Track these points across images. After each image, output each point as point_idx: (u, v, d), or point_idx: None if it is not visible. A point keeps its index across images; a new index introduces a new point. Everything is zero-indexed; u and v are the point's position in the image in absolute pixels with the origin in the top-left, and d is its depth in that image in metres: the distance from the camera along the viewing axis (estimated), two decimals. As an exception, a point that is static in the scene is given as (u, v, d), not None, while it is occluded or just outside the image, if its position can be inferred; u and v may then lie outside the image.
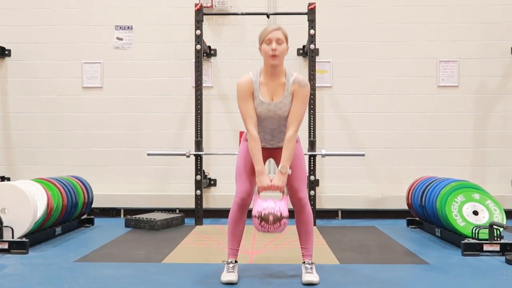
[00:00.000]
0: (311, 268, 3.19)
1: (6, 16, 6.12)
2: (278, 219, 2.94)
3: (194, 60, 5.55)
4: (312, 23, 5.38)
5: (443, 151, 5.97)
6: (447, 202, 4.22)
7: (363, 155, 5.52)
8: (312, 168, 5.39)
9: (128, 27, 6.10)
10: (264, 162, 3.17)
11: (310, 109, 5.39)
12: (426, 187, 4.79)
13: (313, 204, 5.32)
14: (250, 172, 3.16)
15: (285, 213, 2.97)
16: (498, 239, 3.94)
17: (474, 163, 5.97)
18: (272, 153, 3.26)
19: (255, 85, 3.12)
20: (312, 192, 5.37)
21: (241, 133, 3.35)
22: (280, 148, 3.15)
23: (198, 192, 5.40)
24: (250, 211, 3.15)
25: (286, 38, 3.12)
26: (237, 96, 3.15)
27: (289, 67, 3.27)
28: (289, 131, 3.09)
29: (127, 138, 6.08)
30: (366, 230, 5.11)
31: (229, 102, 6.03)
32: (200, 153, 5.41)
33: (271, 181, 3.06)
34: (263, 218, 2.94)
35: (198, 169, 5.41)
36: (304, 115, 3.18)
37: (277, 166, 3.16)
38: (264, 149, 3.18)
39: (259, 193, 3.09)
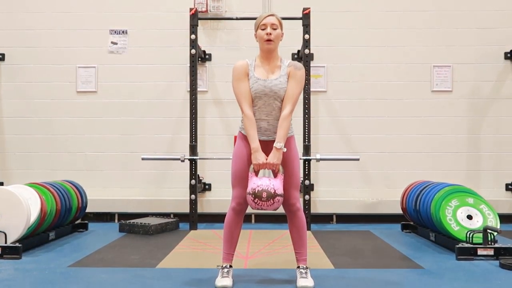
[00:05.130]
0: (306, 272, 3.18)
1: (0, 21, 6.11)
2: (271, 196, 2.97)
3: (189, 65, 5.55)
4: (306, 28, 5.40)
5: (437, 155, 5.99)
6: (441, 206, 4.23)
7: (358, 159, 5.52)
8: (306, 172, 5.39)
9: (123, 32, 6.10)
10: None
11: (304, 113, 5.40)
12: (421, 191, 4.80)
13: (307, 209, 5.33)
14: (246, 176, 3.15)
15: (279, 190, 3.00)
16: (492, 244, 3.95)
17: (468, 168, 6.00)
18: (266, 146, 3.16)
19: (250, 67, 3.18)
20: (306, 197, 5.37)
21: (236, 137, 3.34)
22: (273, 141, 3.14)
23: (193, 196, 5.39)
24: (246, 216, 3.15)
25: (281, 24, 3.19)
26: (232, 79, 3.19)
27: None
28: (285, 110, 3.13)
29: (122, 142, 6.06)
30: (360, 235, 5.11)
31: (224, 107, 6.03)
32: (194, 157, 5.41)
33: (266, 158, 3.08)
34: (256, 195, 2.98)
35: (193, 173, 5.41)
36: (299, 97, 3.23)
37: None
38: (260, 142, 3.14)
39: (254, 171, 3.10)
